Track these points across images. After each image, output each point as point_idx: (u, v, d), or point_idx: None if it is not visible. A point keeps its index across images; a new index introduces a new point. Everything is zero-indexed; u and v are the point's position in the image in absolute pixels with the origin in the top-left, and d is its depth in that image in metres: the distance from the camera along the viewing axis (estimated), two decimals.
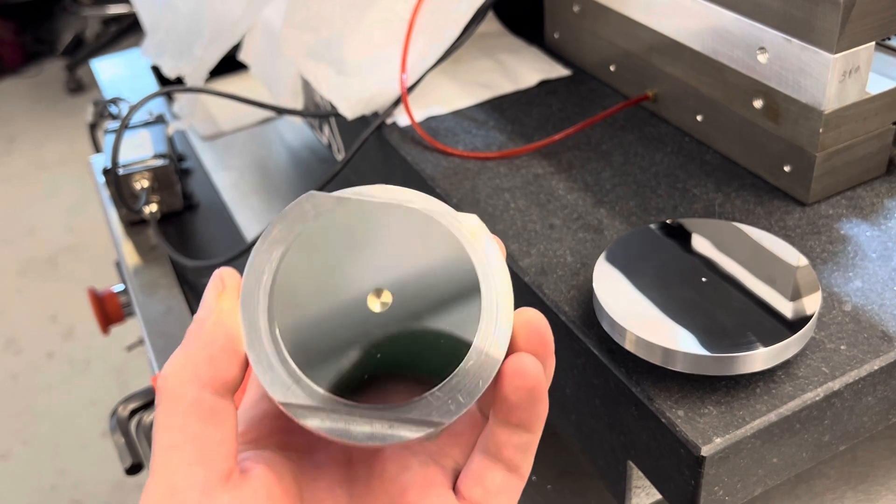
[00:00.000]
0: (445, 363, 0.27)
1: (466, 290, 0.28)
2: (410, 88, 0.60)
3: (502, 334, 0.28)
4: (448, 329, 0.28)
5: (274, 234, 0.28)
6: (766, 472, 0.38)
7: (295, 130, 0.88)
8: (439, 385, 0.27)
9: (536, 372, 0.27)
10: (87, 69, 3.00)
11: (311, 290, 0.28)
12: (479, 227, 0.29)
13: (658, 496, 0.46)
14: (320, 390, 0.27)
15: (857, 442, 0.42)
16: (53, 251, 2.28)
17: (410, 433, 0.27)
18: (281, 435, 0.30)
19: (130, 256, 0.70)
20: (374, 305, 0.28)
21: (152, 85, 0.96)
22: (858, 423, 0.40)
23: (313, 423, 0.26)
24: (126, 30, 3.00)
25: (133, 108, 0.63)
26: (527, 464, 0.29)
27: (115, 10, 2.96)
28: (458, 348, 0.27)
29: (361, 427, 0.27)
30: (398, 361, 0.27)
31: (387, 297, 0.28)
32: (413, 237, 0.29)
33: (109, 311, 0.77)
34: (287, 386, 0.27)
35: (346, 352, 0.27)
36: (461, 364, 0.27)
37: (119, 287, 0.78)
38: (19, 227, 2.39)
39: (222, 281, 0.28)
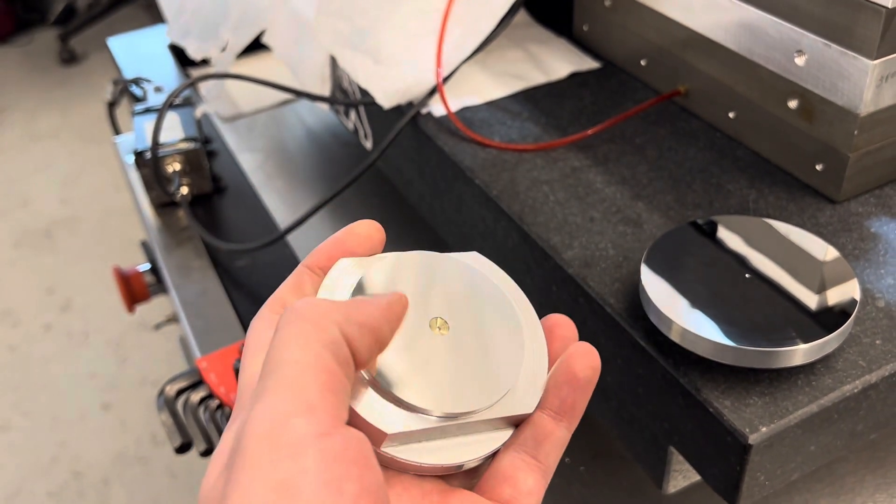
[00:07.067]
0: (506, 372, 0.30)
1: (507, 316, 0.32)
2: (446, 79, 0.61)
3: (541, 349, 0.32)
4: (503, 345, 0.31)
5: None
6: (804, 459, 0.40)
7: (315, 112, 0.89)
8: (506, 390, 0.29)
9: (597, 355, 0.31)
10: (80, 39, 2.98)
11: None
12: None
13: (694, 479, 0.48)
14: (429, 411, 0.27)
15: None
16: (48, 223, 2.27)
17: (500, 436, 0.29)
18: None
19: (161, 238, 0.71)
20: (435, 331, 0.29)
21: (170, 65, 0.97)
22: (890, 413, 0.42)
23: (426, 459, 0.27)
24: (119, 1, 2.97)
25: (172, 96, 0.63)
26: (553, 464, 0.30)
27: None
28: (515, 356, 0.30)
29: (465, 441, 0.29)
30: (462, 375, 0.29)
31: (444, 325, 0.30)
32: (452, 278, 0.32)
33: (136, 290, 0.78)
34: (399, 417, 0.27)
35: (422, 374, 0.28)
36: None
37: (145, 266, 0.79)
38: (13, 198, 2.38)
39: None
